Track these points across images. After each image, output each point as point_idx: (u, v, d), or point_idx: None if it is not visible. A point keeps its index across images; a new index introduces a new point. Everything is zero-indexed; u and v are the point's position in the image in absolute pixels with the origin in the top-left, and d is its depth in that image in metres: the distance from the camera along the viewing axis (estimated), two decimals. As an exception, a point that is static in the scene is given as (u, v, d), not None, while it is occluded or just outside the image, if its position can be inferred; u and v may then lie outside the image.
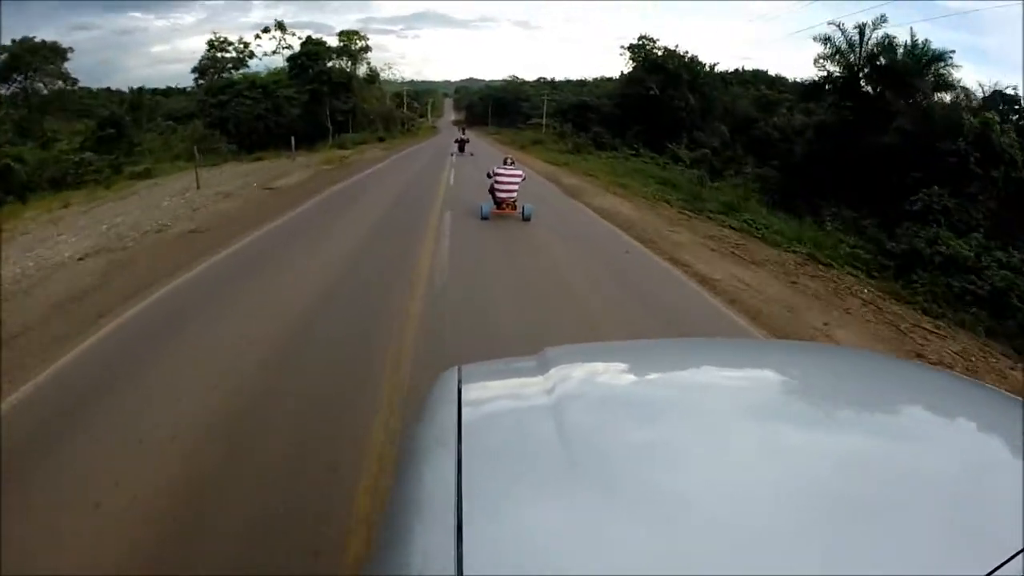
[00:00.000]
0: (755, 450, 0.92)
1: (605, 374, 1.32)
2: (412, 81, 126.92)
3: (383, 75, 58.66)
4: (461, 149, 31.04)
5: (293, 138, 27.86)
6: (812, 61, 30.17)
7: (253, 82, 38.87)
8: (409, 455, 0.98)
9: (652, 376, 1.29)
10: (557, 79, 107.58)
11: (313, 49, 43.11)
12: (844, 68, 29.08)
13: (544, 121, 69.59)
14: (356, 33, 46.86)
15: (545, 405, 1.00)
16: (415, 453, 0.96)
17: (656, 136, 43.86)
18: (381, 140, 45.84)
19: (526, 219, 11.55)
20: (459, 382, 1.13)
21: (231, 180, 20.74)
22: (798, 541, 0.70)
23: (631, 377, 1.30)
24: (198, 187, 18.35)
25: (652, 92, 45.35)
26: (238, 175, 22.93)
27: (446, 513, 0.74)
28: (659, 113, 45.49)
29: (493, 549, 0.70)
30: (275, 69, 42.96)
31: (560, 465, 0.83)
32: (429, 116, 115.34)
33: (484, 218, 11.67)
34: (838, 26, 29.31)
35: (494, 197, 11.87)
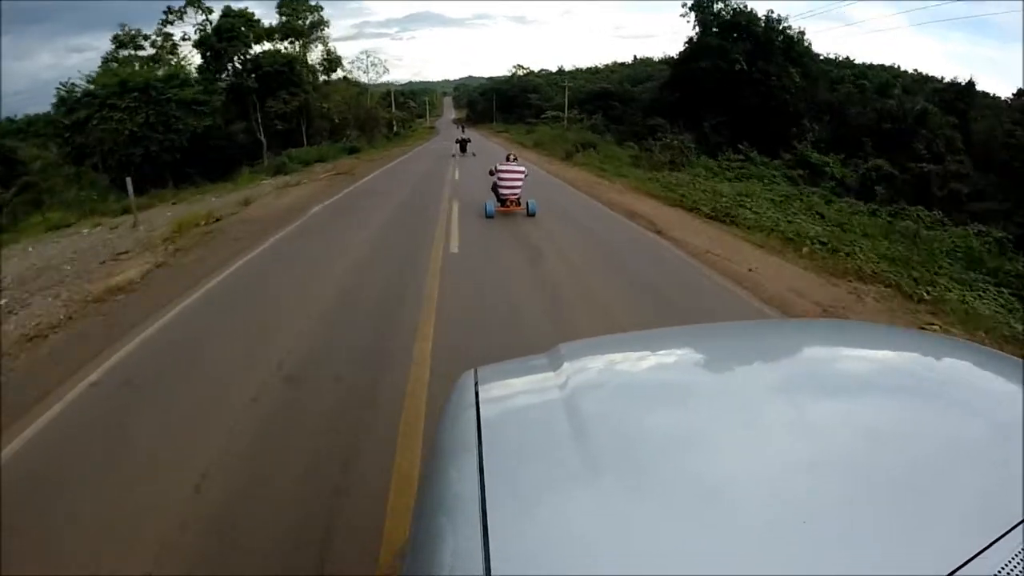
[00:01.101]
0: (769, 430, 0.90)
1: (617, 365, 1.27)
2: (410, 82, 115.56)
3: (370, 76, 44.05)
4: (463, 149, 27.79)
5: (130, 180, 13.13)
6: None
7: (123, 84, 23.37)
8: (433, 457, 0.98)
9: (664, 364, 1.28)
10: (565, 68, 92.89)
11: (229, 24, 27.44)
12: None
13: (566, 113, 54.60)
14: (304, 2, 31.50)
15: (561, 400, 0.99)
16: (439, 455, 0.96)
17: (745, 129, 28.92)
18: (352, 152, 31.22)
19: (531, 215, 10.82)
20: (476, 384, 1.11)
21: None
22: (819, 518, 0.69)
23: (643, 366, 1.27)
24: None
25: (739, 67, 30.23)
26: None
27: (472, 513, 0.74)
28: (749, 96, 30.43)
29: (519, 545, 0.70)
30: (176, 62, 27.78)
31: (579, 458, 0.83)
32: (427, 116, 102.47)
33: (489, 216, 10.83)
34: None
35: (497, 195, 11.17)
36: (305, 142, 30.33)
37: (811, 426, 0.92)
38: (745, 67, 30.43)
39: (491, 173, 11.54)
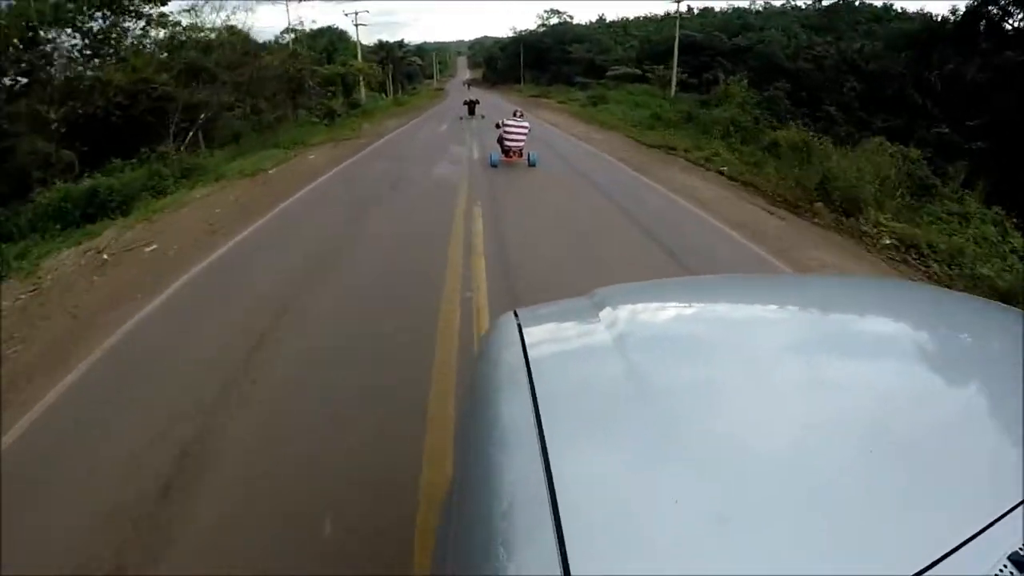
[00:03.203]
0: (808, 383, 0.89)
1: (657, 312, 1.25)
2: (424, 43, 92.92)
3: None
4: (471, 112, 23.77)
5: None
6: None
7: None
8: (481, 393, 0.94)
9: (703, 312, 1.25)
10: (607, 18, 65.89)
11: None
12: None
13: (676, 74, 29.78)
14: None
15: (605, 344, 0.96)
16: (487, 391, 0.92)
17: None
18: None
19: (531, 165, 11.05)
20: (519, 325, 1.07)
21: None
22: (857, 471, 0.67)
23: (683, 314, 1.24)
24: None
25: None
26: None
27: (531, 443, 0.72)
28: None
29: (580, 471, 0.69)
30: None
31: (627, 401, 0.82)
32: (436, 77, 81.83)
33: (493, 165, 11.07)
34: None
35: (502, 147, 11.47)
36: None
37: (845, 381, 0.89)
38: None
39: (497, 127, 11.78)
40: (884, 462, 0.68)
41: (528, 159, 11.13)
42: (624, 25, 58.67)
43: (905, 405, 0.81)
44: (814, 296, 1.29)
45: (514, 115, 11.66)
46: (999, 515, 0.58)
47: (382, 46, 57.93)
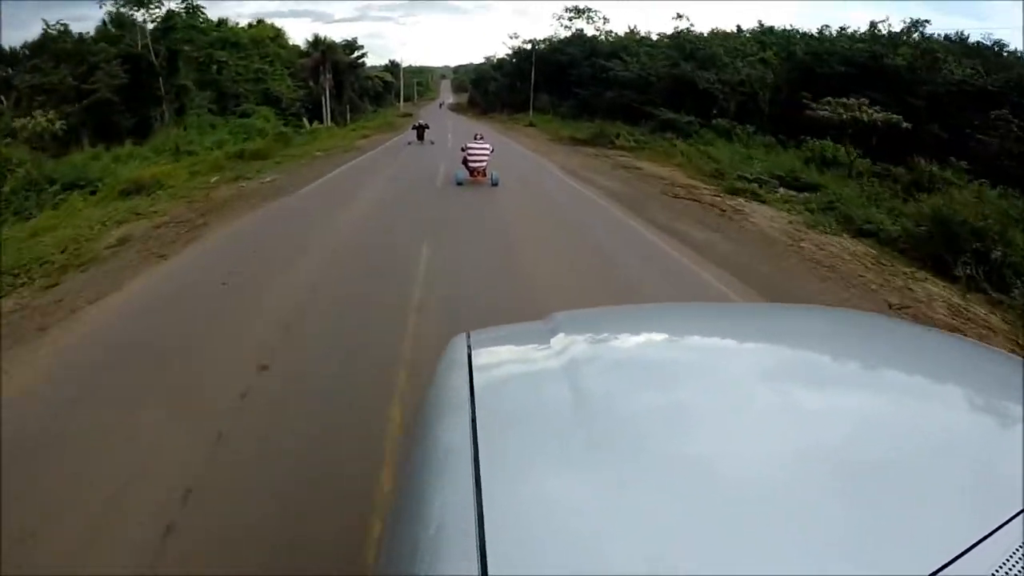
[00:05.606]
0: (763, 413, 0.84)
1: (613, 339, 1.20)
2: (409, 65, 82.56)
3: None
4: (420, 137, 22.65)
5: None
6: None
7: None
8: (424, 418, 0.93)
9: (659, 340, 1.20)
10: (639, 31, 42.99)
11: None
12: None
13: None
14: None
15: (555, 369, 0.93)
16: (430, 416, 0.90)
17: None
18: None
19: (494, 184, 11.39)
20: (469, 347, 1.05)
21: None
22: (813, 502, 0.64)
23: (639, 341, 1.21)
24: None
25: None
26: None
27: (464, 469, 0.69)
28: None
29: (511, 502, 0.65)
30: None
31: (572, 428, 0.78)
32: (403, 99, 61.58)
33: (459, 183, 11.52)
34: None
35: (467, 167, 11.70)
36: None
37: (801, 411, 0.86)
38: None
39: (462, 150, 11.97)
40: (843, 494, 0.64)
41: (491, 179, 11.43)
42: (692, 39, 35.61)
43: (862, 435, 0.77)
44: (768, 324, 1.26)
45: (475, 138, 11.98)
46: (964, 548, 0.54)
47: (316, 44, 35.77)
